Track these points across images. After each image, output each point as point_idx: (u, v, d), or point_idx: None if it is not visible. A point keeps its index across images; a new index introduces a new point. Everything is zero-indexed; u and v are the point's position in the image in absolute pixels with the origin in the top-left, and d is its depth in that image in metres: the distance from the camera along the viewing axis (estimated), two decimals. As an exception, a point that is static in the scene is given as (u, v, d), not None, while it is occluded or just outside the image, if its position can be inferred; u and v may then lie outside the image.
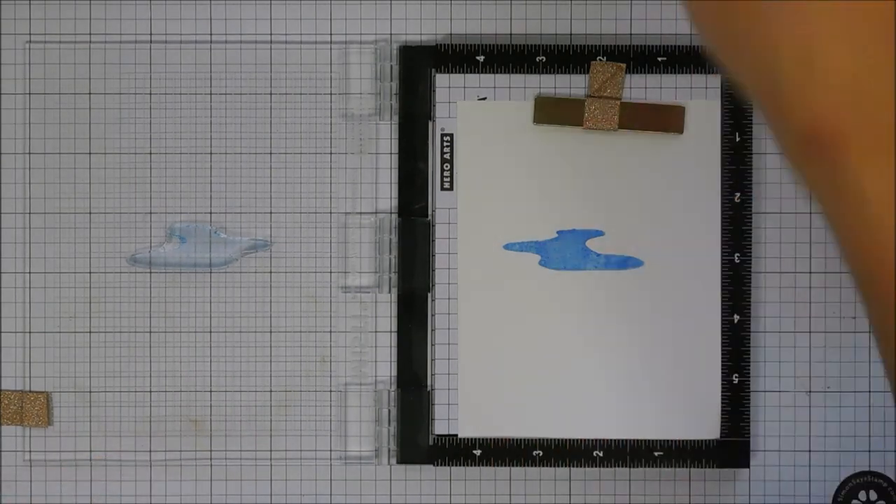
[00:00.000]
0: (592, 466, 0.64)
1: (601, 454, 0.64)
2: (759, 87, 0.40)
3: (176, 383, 0.65)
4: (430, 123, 0.65)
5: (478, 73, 0.65)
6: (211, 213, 0.65)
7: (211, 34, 0.65)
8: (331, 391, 0.65)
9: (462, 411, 0.64)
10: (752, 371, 0.65)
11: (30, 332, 0.65)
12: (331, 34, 0.65)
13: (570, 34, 0.65)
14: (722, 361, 0.64)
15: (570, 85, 0.65)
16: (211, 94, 0.65)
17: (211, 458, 0.65)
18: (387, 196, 0.65)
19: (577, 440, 0.64)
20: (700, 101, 0.65)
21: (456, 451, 0.64)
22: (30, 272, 0.65)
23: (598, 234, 0.64)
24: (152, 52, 0.65)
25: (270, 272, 0.65)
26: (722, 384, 0.64)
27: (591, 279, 0.64)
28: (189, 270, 0.65)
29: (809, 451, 0.65)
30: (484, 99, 0.65)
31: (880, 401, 0.65)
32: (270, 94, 0.65)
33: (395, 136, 0.65)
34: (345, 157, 0.65)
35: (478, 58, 0.65)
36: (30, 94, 0.65)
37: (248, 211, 0.65)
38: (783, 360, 0.65)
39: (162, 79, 0.65)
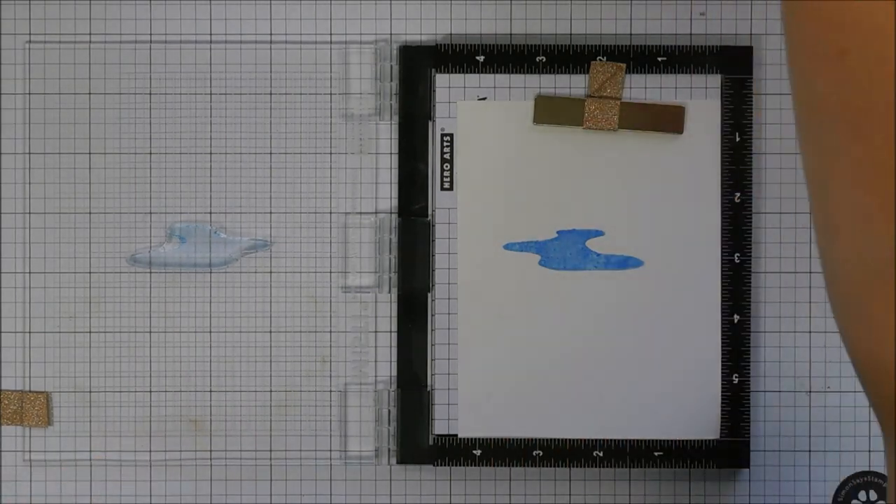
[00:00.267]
0: (592, 466, 0.64)
1: (601, 454, 0.64)
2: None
3: (176, 383, 0.65)
4: (430, 123, 0.65)
5: (478, 73, 0.65)
6: (211, 213, 0.65)
7: (211, 34, 0.65)
8: (331, 391, 0.65)
9: (462, 411, 0.64)
10: (752, 371, 0.65)
11: (30, 332, 0.65)
12: (331, 34, 0.65)
13: (570, 34, 0.65)
14: (722, 361, 0.64)
15: (570, 85, 0.65)
16: (211, 94, 0.65)
17: (211, 458, 0.65)
18: (387, 196, 0.65)
19: (577, 440, 0.64)
20: (700, 101, 0.65)
21: (456, 451, 0.64)
22: (30, 272, 0.65)
23: (598, 234, 0.64)
24: (152, 52, 0.65)
25: (270, 272, 0.65)
26: (722, 384, 0.64)
27: (591, 279, 0.64)
28: (189, 270, 0.65)
29: (809, 451, 0.65)
30: (484, 99, 0.65)
31: (880, 401, 0.65)
32: (270, 94, 0.65)
33: (395, 136, 0.65)
34: (345, 157, 0.65)
35: (478, 58, 0.65)
36: (30, 94, 0.65)
37: (248, 211, 0.65)
38: (783, 360, 0.65)
39: (162, 79, 0.65)
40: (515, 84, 0.65)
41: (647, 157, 0.64)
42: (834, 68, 0.38)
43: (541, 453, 0.64)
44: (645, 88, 0.65)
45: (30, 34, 0.65)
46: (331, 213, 0.65)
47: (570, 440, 0.64)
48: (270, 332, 0.65)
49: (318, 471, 0.65)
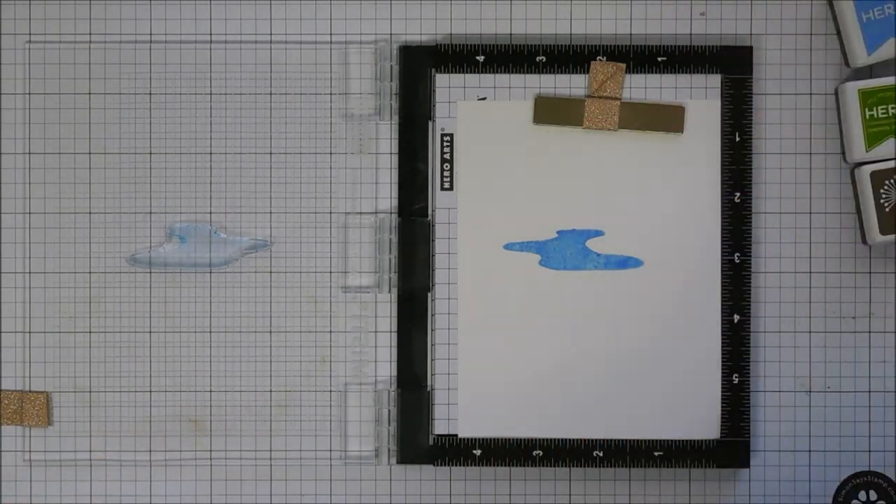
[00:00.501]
0: (592, 466, 0.64)
1: (601, 454, 0.64)
2: None
3: (176, 383, 0.65)
4: (430, 123, 0.65)
5: (478, 73, 0.65)
6: (211, 213, 0.65)
7: (211, 34, 0.65)
8: (331, 391, 0.65)
9: (462, 411, 0.64)
10: (752, 371, 0.65)
11: (30, 332, 0.65)
12: (331, 34, 0.65)
13: (570, 34, 0.65)
14: (722, 361, 0.64)
15: (570, 85, 0.65)
16: (211, 94, 0.65)
17: (211, 458, 0.65)
18: (387, 196, 0.65)
19: (577, 440, 0.64)
20: (700, 101, 0.65)
21: (456, 451, 0.64)
22: (30, 272, 0.65)
23: (598, 234, 0.64)
24: (152, 52, 0.65)
25: (270, 272, 0.65)
26: (722, 384, 0.64)
27: (591, 279, 0.64)
28: (189, 270, 0.65)
29: (809, 451, 0.65)
30: (484, 99, 0.65)
31: (880, 401, 0.65)
32: (270, 94, 0.65)
33: (395, 136, 0.65)
34: (345, 157, 0.65)
35: (478, 58, 0.65)
36: (30, 94, 0.65)
37: (248, 211, 0.65)
38: (783, 360, 0.65)
39: (162, 79, 0.65)
40: (515, 84, 0.65)
41: (647, 157, 0.64)
42: None
43: (541, 453, 0.64)
44: (645, 88, 0.65)
45: (30, 34, 0.65)
46: (331, 213, 0.65)
47: (570, 440, 0.64)
48: (270, 332, 0.65)
49: (318, 471, 0.65)
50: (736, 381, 0.64)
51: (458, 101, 0.65)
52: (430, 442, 0.64)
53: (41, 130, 0.65)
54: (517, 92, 0.65)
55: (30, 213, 0.65)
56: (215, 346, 0.65)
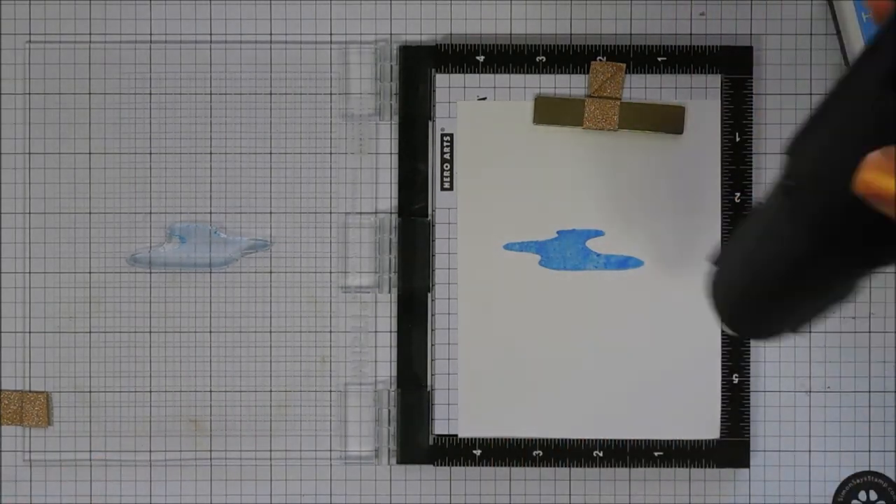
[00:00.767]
0: (592, 466, 0.64)
1: (601, 454, 0.64)
2: None
3: (176, 383, 0.65)
4: (430, 123, 0.65)
5: (478, 73, 0.65)
6: (211, 213, 0.65)
7: (211, 34, 0.65)
8: (331, 391, 0.65)
9: (462, 411, 0.64)
10: (752, 371, 0.65)
11: (30, 332, 0.65)
12: (331, 34, 0.65)
13: (570, 34, 0.65)
14: (722, 361, 0.64)
15: (570, 85, 0.65)
16: (211, 94, 0.65)
17: (211, 459, 0.65)
18: (387, 196, 0.65)
19: (577, 440, 0.64)
20: (700, 101, 0.65)
21: (456, 451, 0.64)
22: (30, 272, 0.65)
23: (598, 234, 0.64)
24: (152, 52, 0.65)
25: (270, 272, 0.65)
26: (722, 384, 0.64)
27: (591, 279, 0.64)
28: (189, 270, 0.65)
29: (809, 451, 0.65)
30: (484, 99, 0.65)
31: (880, 401, 0.65)
32: (270, 94, 0.65)
33: (395, 136, 0.65)
34: (345, 157, 0.65)
35: (478, 58, 0.65)
36: (30, 94, 0.65)
37: (248, 211, 0.65)
38: (783, 360, 0.65)
39: (162, 79, 0.65)
40: (515, 84, 0.65)
41: (647, 157, 0.64)
42: None
43: (541, 453, 0.64)
44: (645, 88, 0.65)
45: (30, 34, 0.65)
46: (331, 213, 0.65)
47: (570, 440, 0.64)
48: (270, 332, 0.65)
49: (318, 471, 0.65)
50: (736, 381, 0.64)
51: (458, 101, 0.65)
52: (430, 442, 0.64)
53: (41, 130, 0.65)
54: (517, 92, 0.65)
55: (30, 213, 0.65)
56: (215, 346, 0.65)
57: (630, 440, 0.64)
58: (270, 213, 0.65)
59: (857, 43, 0.63)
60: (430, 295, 0.65)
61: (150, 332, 0.65)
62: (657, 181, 0.64)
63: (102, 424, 0.65)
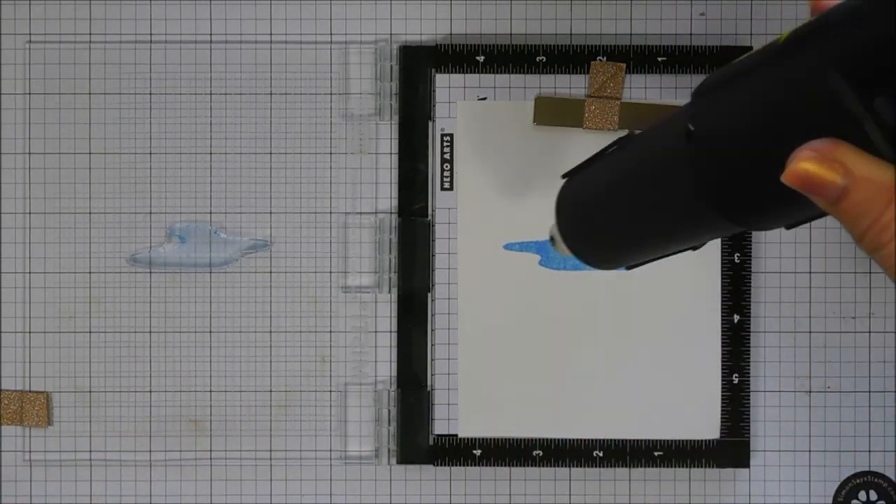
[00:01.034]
0: (592, 466, 0.64)
1: (601, 454, 0.64)
2: None
3: (176, 383, 0.65)
4: (430, 123, 0.65)
5: (478, 73, 0.65)
6: (211, 213, 0.65)
7: (211, 34, 0.65)
8: (331, 391, 0.65)
9: (462, 411, 0.64)
10: (752, 371, 0.65)
11: (30, 332, 0.65)
12: (331, 34, 0.65)
13: (570, 34, 0.65)
14: (722, 361, 0.64)
15: (570, 85, 0.65)
16: (211, 94, 0.65)
17: (211, 458, 0.65)
18: (387, 196, 0.65)
19: (577, 440, 0.64)
20: (700, 101, 0.64)
21: (456, 451, 0.64)
22: (30, 272, 0.65)
23: (598, 234, 0.64)
24: (152, 52, 0.65)
25: (270, 272, 0.65)
26: (722, 384, 0.64)
27: (591, 279, 0.64)
28: (189, 270, 0.65)
29: (809, 451, 0.65)
30: (484, 99, 0.65)
31: (880, 401, 0.65)
32: (270, 94, 0.65)
33: (395, 136, 0.65)
34: (345, 157, 0.65)
35: (478, 58, 0.65)
36: (30, 94, 0.65)
37: (248, 211, 0.65)
38: (783, 360, 0.65)
39: (162, 79, 0.65)
40: (515, 84, 0.65)
41: (647, 157, 0.64)
42: None
43: (541, 453, 0.64)
44: (645, 88, 0.65)
45: (30, 34, 0.65)
46: (331, 213, 0.65)
47: (570, 440, 0.64)
48: (270, 332, 0.65)
49: (318, 471, 0.65)
50: (736, 381, 0.64)
51: (458, 101, 0.65)
52: (430, 442, 0.64)
53: (41, 130, 0.65)
54: (517, 92, 0.65)
55: (30, 213, 0.65)
56: (215, 346, 0.65)
57: (630, 440, 0.64)
58: (270, 213, 0.65)
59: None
60: (430, 295, 0.65)
61: (150, 332, 0.65)
62: (657, 181, 0.64)
63: (102, 424, 0.65)
